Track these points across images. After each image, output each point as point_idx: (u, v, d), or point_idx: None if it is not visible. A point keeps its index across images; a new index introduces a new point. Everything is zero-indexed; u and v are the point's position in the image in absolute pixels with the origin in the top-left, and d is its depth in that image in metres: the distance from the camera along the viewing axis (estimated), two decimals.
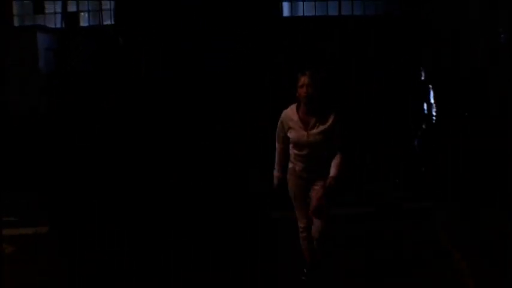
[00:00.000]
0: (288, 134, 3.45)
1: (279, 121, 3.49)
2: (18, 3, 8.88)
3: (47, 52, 7.64)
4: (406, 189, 5.16)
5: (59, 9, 8.65)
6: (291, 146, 3.49)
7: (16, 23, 8.78)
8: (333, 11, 7.86)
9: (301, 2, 7.88)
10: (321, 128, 3.40)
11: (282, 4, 7.86)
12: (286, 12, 7.95)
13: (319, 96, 3.36)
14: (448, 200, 4.53)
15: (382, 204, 4.72)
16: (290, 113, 3.44)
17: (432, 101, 5.49)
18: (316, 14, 7.87)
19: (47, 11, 8.76)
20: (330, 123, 3.37)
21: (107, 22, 8.44)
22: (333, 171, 3.39)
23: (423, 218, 4.26)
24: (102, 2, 8.36)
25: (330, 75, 3.35)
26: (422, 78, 5.54)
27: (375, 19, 7.71)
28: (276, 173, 3.61)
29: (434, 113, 5.46)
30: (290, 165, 3.55)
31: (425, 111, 5.52)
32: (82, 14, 8.46)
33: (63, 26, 8.20)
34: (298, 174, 3.49)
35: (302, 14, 7.91)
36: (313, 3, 7.87)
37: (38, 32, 7.75)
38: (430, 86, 5.50)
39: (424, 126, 5.53)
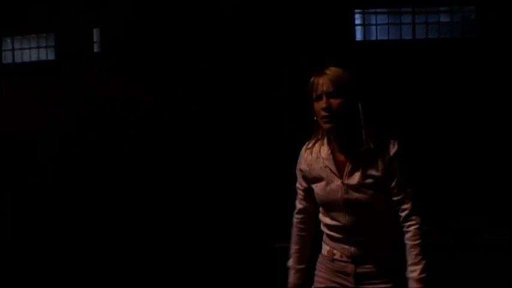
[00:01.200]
0: (315, 190, 2.10)
1: (296, 168, 2.21)
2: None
3: None
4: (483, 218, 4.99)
5: None
6: (321, 212, 2.14)
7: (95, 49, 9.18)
8: (406, 35, 7.84)
9: (375, 26, 7.90)
10: (368, 169, 1.97)
11: (355, 28, 7.91)
12: (359, 36, 7.99)
13: (352, 112, 1.99)
14: None
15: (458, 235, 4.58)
16: (306, 156, 2.13)
17: None
18: (390, 38, 7.86)
19: None
20: (380, 157, 1.97)
21: None
22: (411, 282, 1.91)
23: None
24: None
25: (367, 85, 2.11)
26: None
27: (451, 42, 7.64)
28: (291, 262, 2.20)
29: None
30: (324, 250, 2.15)
31: None
32: None
33: None
34: (338, 268, 2.04)
35: (375, 38, 7.93)
36: (387, 27, 7.87)
37: None
38: None
39: None
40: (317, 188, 2.07)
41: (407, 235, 1.95)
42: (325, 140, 2.08)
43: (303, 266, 2.21)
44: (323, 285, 2.12)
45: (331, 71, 2.02)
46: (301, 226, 2.22)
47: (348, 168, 2.00)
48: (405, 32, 7.80)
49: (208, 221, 5.29)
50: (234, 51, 7.11)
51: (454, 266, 3.81)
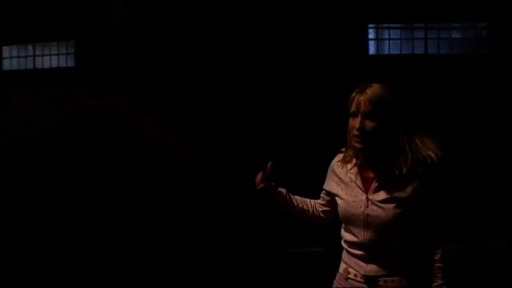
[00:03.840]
0: (337, 201, 2.06)
1: (327, 174, 2.16)
2: None
3: None
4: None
5: None
6: (342, 227, 2.08)
7: None
8: (419, 50, 7.98)
9: (387, 41, 8.05)
10: (395, 191, 1.91)
11: (368, 42, 8.06)
12: (372, 50, 8.14)
13: (388, 134, 1.91)
14: None
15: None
16: (337, 164, 2.09)
17: None
18: (402, 52, 8.01)
19: None
20: (413, 183, 1.90)
21: None
22: None
23: None
24: None
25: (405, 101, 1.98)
26: None
27: (462, 58, 7.77)
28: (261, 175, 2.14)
29: None
30: (340, 267, 2.09)
31: None
32: None
33: None
34: (350, 287, 2.00)
35: (388, 53, 8.08)
36: (399, 41, 8.02)
37: None
38: None
39: None
40: (340, 200, 2.02)
41: (434, 257, 1.94)
42: (355, 154, 2.00)
43: (281, 190, 2.17)
44: None
45: (373, 90, 1.91)
46: (313, 203, 2.23)
47: (374, 184, 1.94)
48: (417, 47, 7.94)
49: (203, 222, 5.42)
50: (238, 58, 7.16)
51: (461, 272, 3.98)
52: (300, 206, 2.21)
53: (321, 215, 2.21)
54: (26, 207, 5.89)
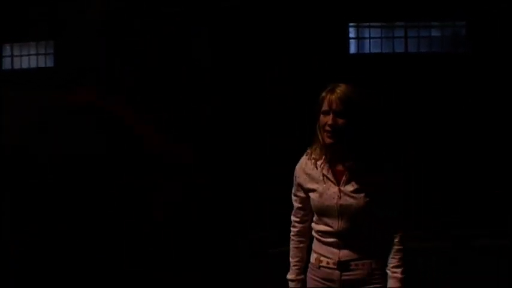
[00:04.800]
0: (310, 197, 2.18)
1: (294, 179, 2.27)
2: None
3: None
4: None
5: None
6: (314, 220, 2.22)
7: None
8: (399, 48, 8.02)
9: (368, 40, 8.08)
10: (364, 182, 2.08)
11: (349, 41, 8.09)
12: (352, 49, 8.17)
13: (360, 134, 2.06)
14: None
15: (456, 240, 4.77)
16: (306, 163, 2.20)
17: None
18: (383, 51, 8.05)
19: None
20: (378, 175, 2.08)
21: None
22: (393, 281, 2.09)
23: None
24: None
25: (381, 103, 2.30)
26: None
27: (442, 56, 7.83)
28: (290, 275, 2.28)
29: None
30: (312, 257, 2.23)
31: None
32: None
33: None
34: (324, 275, 2.13)
35: (369, 51, 8.11)
36: (380, 40, 8.06)
37: None
38: None
39: None
40: (313, 195, 2.15)
41: (394, 240, 2.12)
42: (325, 150, 2.14)
43: (302, 277, 2.28)
44: None
45: (342, 90, 2.08)
46: (298, 238, 2.30)
47: (345, 177, 2.10)
48: (398, 45, 7.98)
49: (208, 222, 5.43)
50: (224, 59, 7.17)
51: (452, 269, 3.97)
52: (304, 257, 2.31)
53: (305, 225, 2.28)
54: (26, 207, 5.82)
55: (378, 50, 7.98)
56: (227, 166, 6.52)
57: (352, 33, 8.01)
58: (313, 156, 2.17)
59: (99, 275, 3.93)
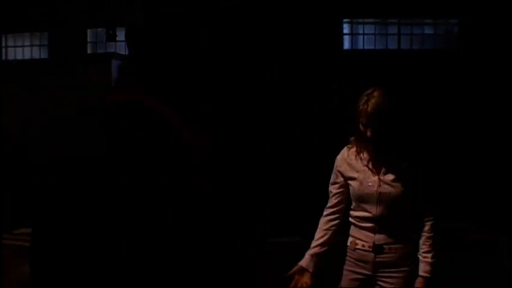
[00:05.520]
0: (350, 185, 2.37)
1: (334, 170, 2.45)
2: (91, 31, 9.41)
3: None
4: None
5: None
6: (352, 207, 2.41)
7: (89, 50, 9.39)
8: (392, 45, 8.12)
9: (362, 36, 8.17)
10: (400, 173, 2.30)
11: (343, 37, 8.17)
12: (346, 45, 8.25)
13: (393, 133, 2.29)
14: None
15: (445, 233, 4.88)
16: (348, 154, 2.40)
17: None
18: (376, 47, 8.14)
19: (118, 39, 9.28)
20: (415, 163, 2.33)
21: None
22: (424, 265, 2.28)
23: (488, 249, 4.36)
24: None
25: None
26: None
27: (434, 53, 7.93)
28: (309, 252, 2.39)
29: None
30: (348, 241, 2.42)
31: None
32: None
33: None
34: (358, 257, 2.32)
35: (362, 47, 8.20)
36: (373, 37, 8.15)
37: (113, 60, 8.24)
38: None
39: None
40: (354, 183, 2.35)
41: (425, 228, 2.32)
42: (365, 144, 2.35)
43: (319, 249, 2.41)
44: (346, 278, 2.39)
45: (376, 102, 2.27)
46: (328, 222, 2.44)
47: (384, 168, 2.31)
48: (391, 42, 8.08)
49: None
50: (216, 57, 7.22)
51: (442, 263, 4.07)
52: (330, 244, 2.44)
53: (339, 210, 2.43)
54: (26, 207, 5.84)
55: (371, 47, 8.07)
56: (227, 166, 6.58)
57: (346, 29, 8.10)
58: (354, 148, 2.37)
59: (100, 275, 3.98)
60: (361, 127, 2.30)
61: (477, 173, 6.57)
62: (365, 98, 2.30)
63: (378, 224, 2.29)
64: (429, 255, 2.29)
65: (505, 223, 4.83)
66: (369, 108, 2.25)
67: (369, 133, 2.26)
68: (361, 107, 2.29)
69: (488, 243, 4.47)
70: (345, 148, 2.42)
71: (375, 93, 2.30)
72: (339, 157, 2.44)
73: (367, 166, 2.34)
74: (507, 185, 6.03)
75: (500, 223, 4.90)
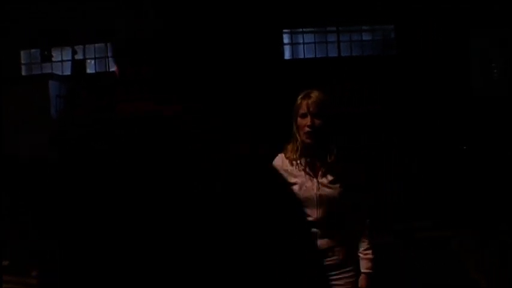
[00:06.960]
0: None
1: None
2: (25, 52, 9.09)
3: (58, 99, 7.85)
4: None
5: (65, 57, 8.90)
6: None
7: (23, 72, 9.04)
8: (332, 53, 8.21)
9: (302, 45, 8.23)
10: (336, 174, 2.37)
11: (283, 47, 8.20)
12: (287, 54, 8.28)
13: (327, 131, 2.36)
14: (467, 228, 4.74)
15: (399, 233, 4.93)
16: (283, 161, 2.41)
17: None
18: (317, 56, 8.21)
19: (54, 59, 8.99)
20: (347, 170, 2.40)
21: (113, 69, 8.68)
22: (365, 262, 2.40)
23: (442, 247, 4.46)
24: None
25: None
26: None
27: (373, 59, 8.08)
28: None
29: None
30: None
31: None
32: (88, 61, 8.76)
33: (71, 73, 8.47)
34: None
35: (303, 56, 8.25)
36: (313, 45, 8.22)
37: (50, 80, 7.96)
38: None
39: None
40: (294, 187, 2.33)
41: (362, 228, 2.42)
42: (302, 149, 2.38)
43: None
44: None
45: (316, 95, 2.36)
46: None
47: (321, 170, 2.37)
48: (331, 50, 8.17)
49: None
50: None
51: (395, 262, 4.10)
52: None
53: None
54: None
55: (312, 55, 8.14)
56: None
57: (286, 39, 8.13)
58: (288, 154, 2.40)
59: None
60: (299, 121, 2.36)
61: (428, 170, 6.70)
62: (304, 93, 2.40)
63: (320, 228, 2.30)
64: (369, 251, 2.38)
65: (459, 221, 4.94)
66: (310, 100, 2.34)
67: (307, 122, 2.30)
68: (300, 100, 2.38)
69: (441, 240, 4.55)
70: (278, 156, 2.44)
71: (314, 91, 2.40)
72: (275, 164, 2.39)
73: (304, 170, 2.37)
74: (454, 183, 6.19)
75: (454, 222, 5.01)
